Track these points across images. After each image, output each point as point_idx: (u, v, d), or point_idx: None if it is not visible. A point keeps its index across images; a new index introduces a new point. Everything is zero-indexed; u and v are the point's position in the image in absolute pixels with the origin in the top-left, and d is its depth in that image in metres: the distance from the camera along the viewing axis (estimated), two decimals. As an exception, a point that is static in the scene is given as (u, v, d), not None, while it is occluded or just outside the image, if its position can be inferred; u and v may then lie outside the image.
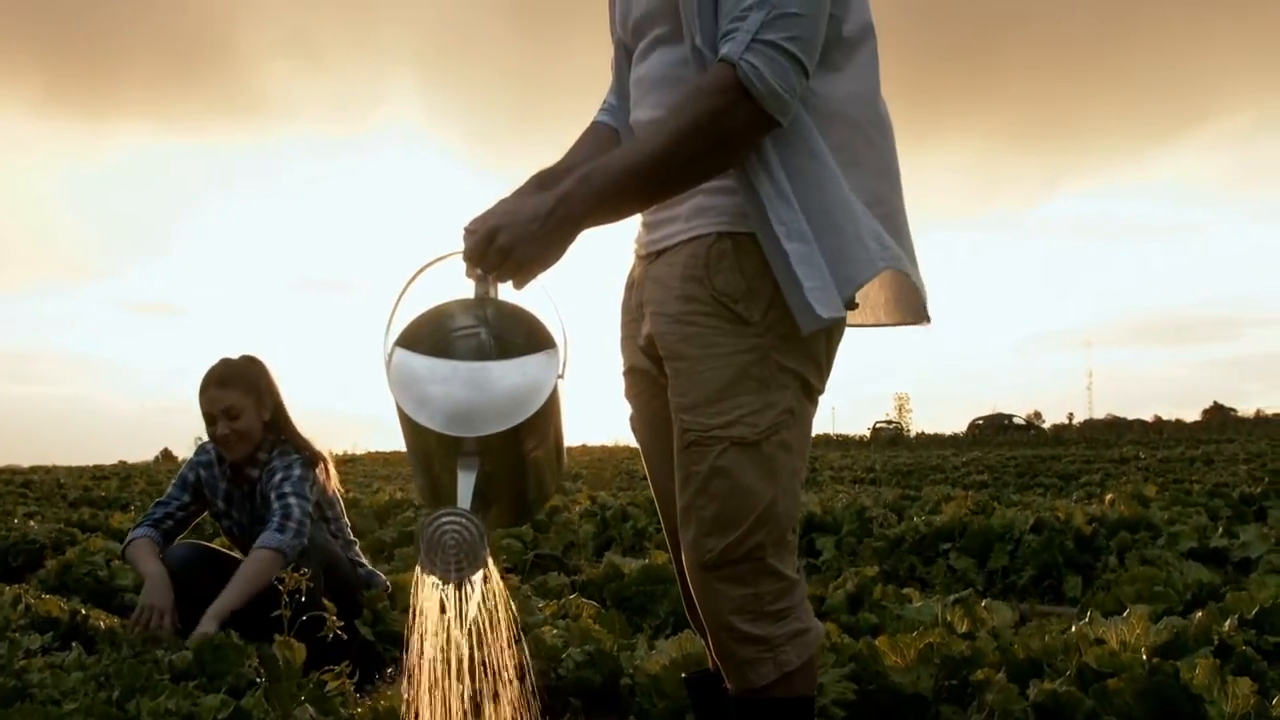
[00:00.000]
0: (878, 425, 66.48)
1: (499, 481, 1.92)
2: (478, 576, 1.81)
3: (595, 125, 2.23)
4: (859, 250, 1.81)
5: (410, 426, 1.84)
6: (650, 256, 2.00)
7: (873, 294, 2.05)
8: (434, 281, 1.97)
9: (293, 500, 3.53)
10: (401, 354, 1.93)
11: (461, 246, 1.84)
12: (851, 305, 1.82)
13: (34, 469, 52.13)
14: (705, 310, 1.86)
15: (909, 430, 70.72)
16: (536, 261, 1.76)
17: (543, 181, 2.05)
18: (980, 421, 64.22)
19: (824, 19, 1.78)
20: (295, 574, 2.85)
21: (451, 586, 1.81)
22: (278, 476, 3.61)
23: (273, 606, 2.95)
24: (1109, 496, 7.61)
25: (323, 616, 2.86)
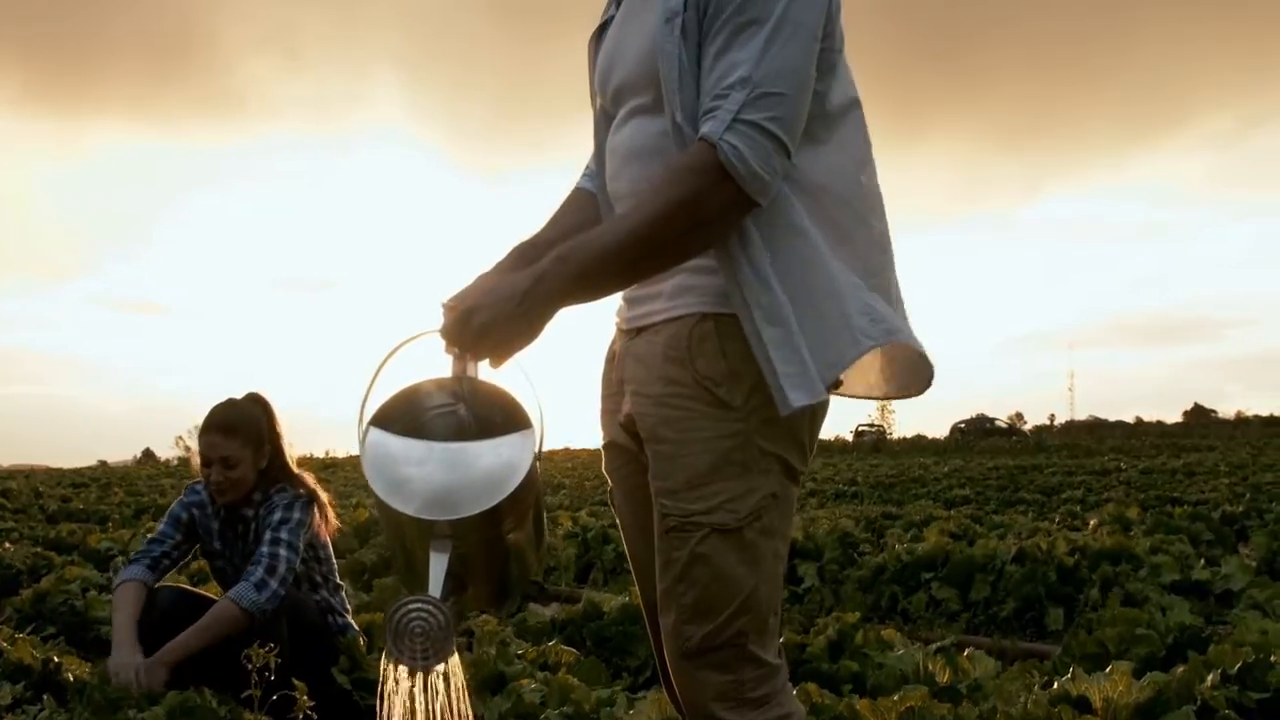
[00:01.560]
0: (860, 429, 66.51)
1: (477, 563, 1.89)
2: (446, 664, 1.78)
3: (578, 192, 2.19)
4: (844, 332, 1.78)
5: (384, 507, 1.82)
6: (632, 332, 1.97)
7: (866, 363, 2.02)
8: (410, 359, 1.95)
9: (282, 552, 3.46)
10: (376, 433, 1.89)
11: (438, 324, 1.81)
12: (834, 386, 1.80)
13: (12, 471, 51.90)
14: (686, 393, 1.83)
15: (891, 432, 70.81)
16: (513, 341, 1.73)
17: (523, 254, 2.02)
18: (963, 425, 64.37)
19: (808, 97, 1.75)
20: (262, 650, 2.80)
21: (419, 675, 1.79)
22: (277, 515, 3.54)
23: (236, 653, 2.94)
24: (1092, 522, 7.60)
25: (292, 696, 2.81)
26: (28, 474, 29.50)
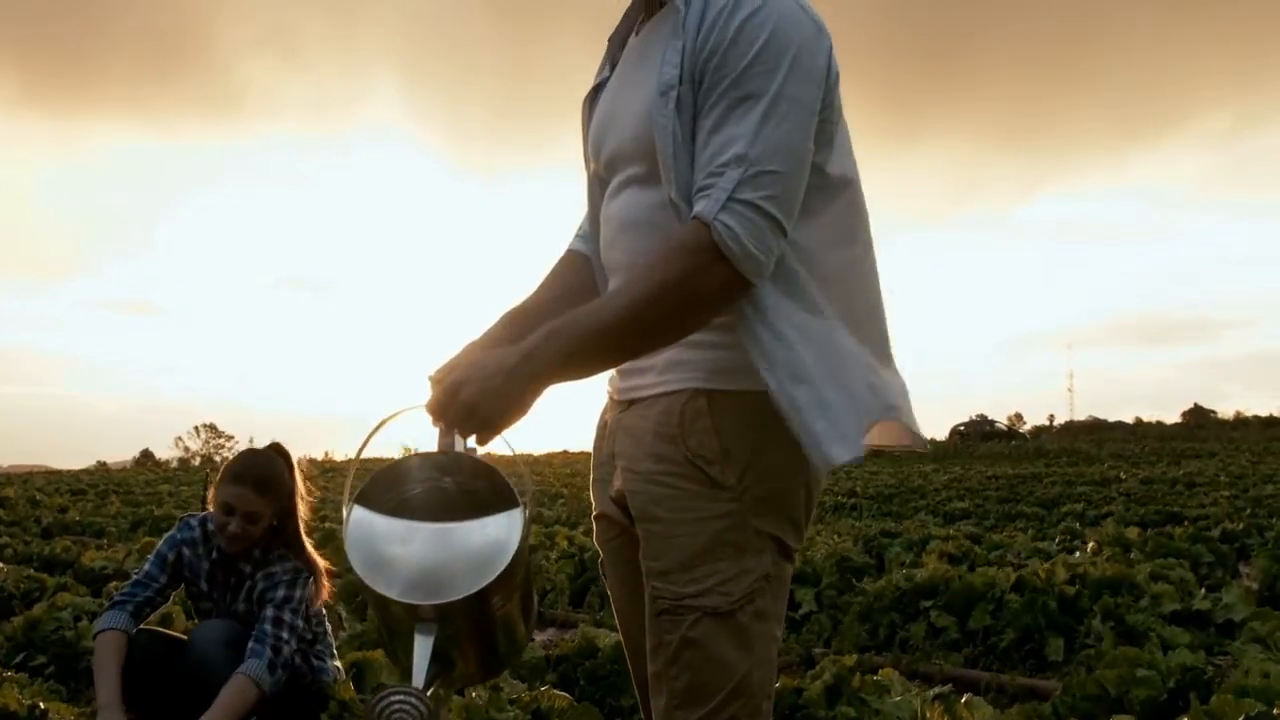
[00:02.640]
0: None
1: (465, 641, 1.86)
2: None
3: (571, 254, 2.15)
4: (863, 393, 1.77)
5: (367, 588, 1.78)
6: (624, 403, 1.93)
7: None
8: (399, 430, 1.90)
9: (285, 635, 3.45)
10: (359, 512, 1.85)
11: (425, 398, 1.76)
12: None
13: (11, 475, 51.81)
14: (678, 471, 1.79)
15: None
16: (501, 418, 1.69)
17: (513, 322, 1.99)
18: (962, 428, 64.35)
19: (805, 174, 1.72)
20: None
21: None
22: (280, 592, 3.51)
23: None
24: (1090, 545, 7.55)
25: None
26: (26, 478, 29.38)
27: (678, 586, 1.78)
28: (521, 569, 1.85)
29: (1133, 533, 8.70)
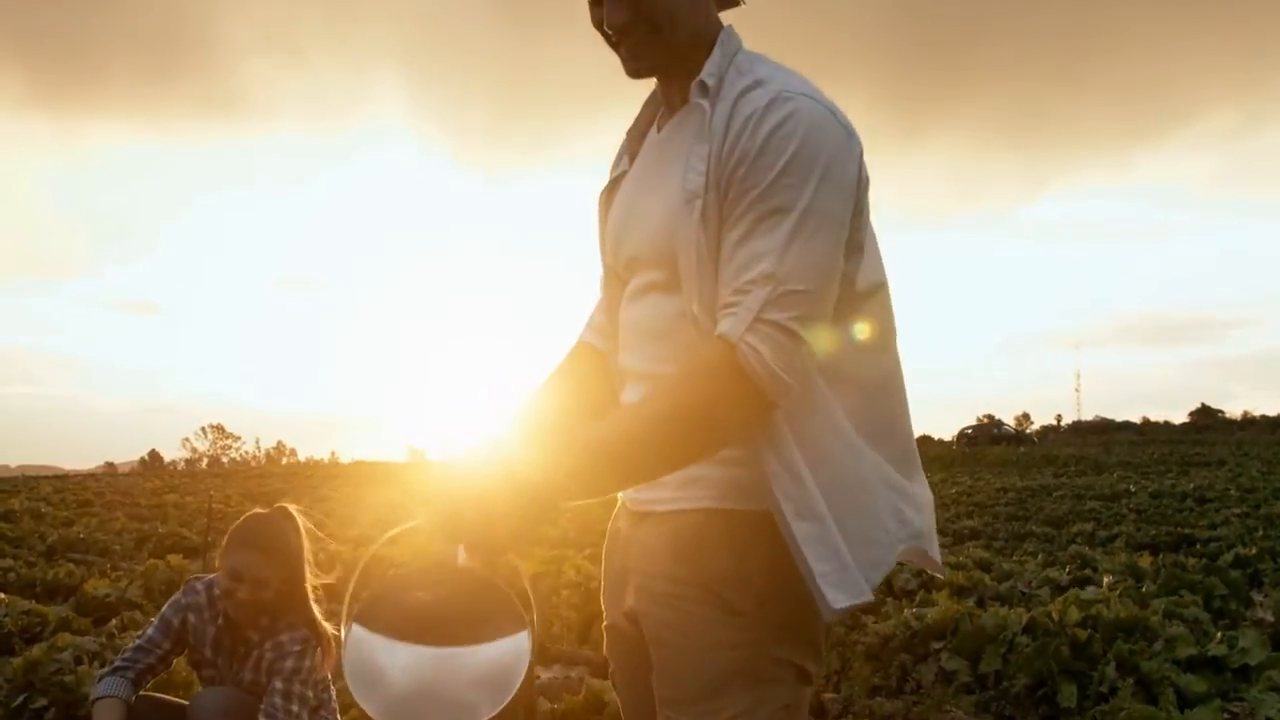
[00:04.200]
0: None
1: None
2: None
3: (581, 347, 2.08)
4: (879, 531, 1.69)
5: (365, 712, 1.72)
6: (637, 515, 1.86)
7: None
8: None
9: (295, 707, 3.39)
10: (359, 631, 1.78)
11: (429, 512, 1.67)
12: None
13: (18, 478, 51.94)
14: (693, 595, 1.72)
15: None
16: (509, 538, 1.60)
17: (525, 418, 1.92)
18: (970, 431, 64.26)
19: (834, 292, 1.64)
20: None
21: None
22: (289, 663, 3.44)
23: None
24: (1105, 580, 7.46)
25: None
26: (33, 485, 29.39)
27: (691, 718, 1.71)
28: (526, 692, 1.79)
29: (1145, 561, 8.63)
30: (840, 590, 1.62)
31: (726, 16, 1.84)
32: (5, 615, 6.91)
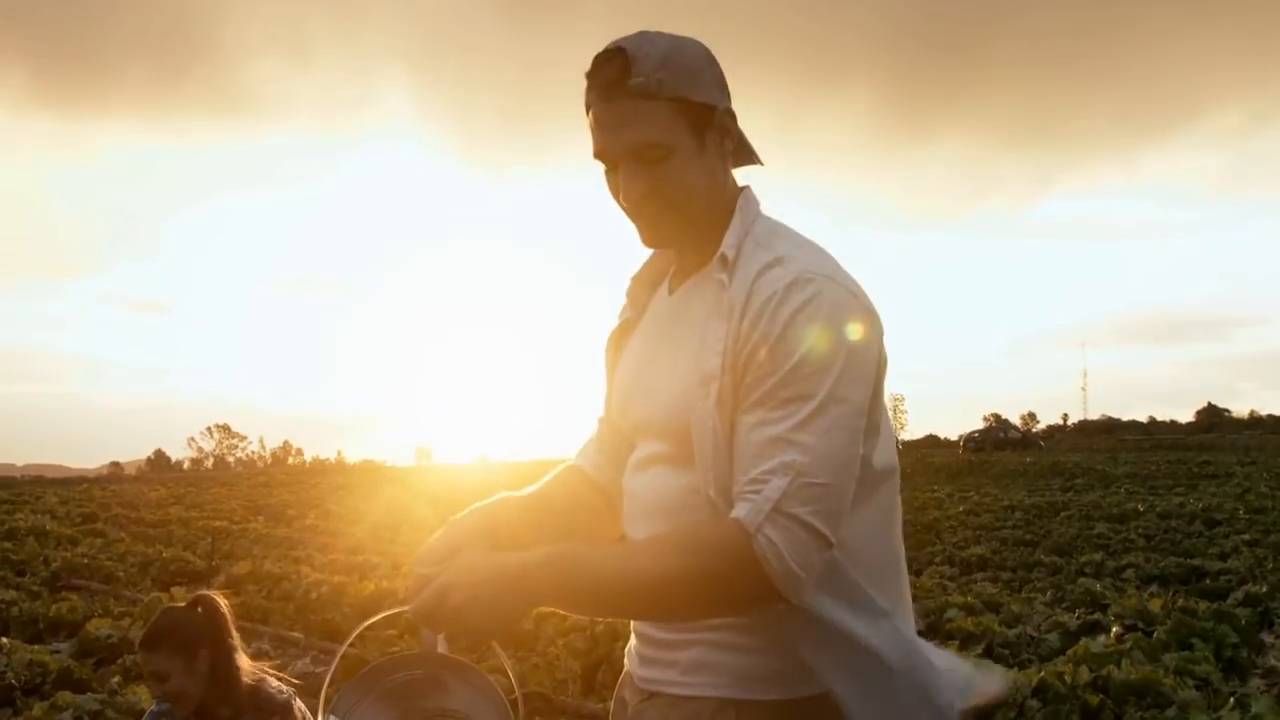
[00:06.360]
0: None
1: None
2: None
3: (572, 470, 2.03)
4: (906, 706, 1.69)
5: None
6: (644, 693, 1.81)
7: None
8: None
9: None
10: None
11: (411, 599, 1.61)
12: None
13: (24, 478, 52.02)
14: None
15: (902, 429, 70.66)
16: (488, 629, 1.56)
17: (507, 517, 1.84)
18: (976, 435, 63.99)
19: (852, 484, 1.59)
20: None
21: None
22: None
23: None
24: (1115, 630, 7.40)
25: None
26: (39, 495, 29.41)
27: None
28: None
29: (1155, 604, 8.56)
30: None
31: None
32: (7, 666, 6.86)
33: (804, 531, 1.51)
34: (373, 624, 1.80)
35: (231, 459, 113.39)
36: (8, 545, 14.57)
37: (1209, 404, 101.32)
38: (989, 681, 1.82)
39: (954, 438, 78.67)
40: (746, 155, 1.81)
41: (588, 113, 1.70)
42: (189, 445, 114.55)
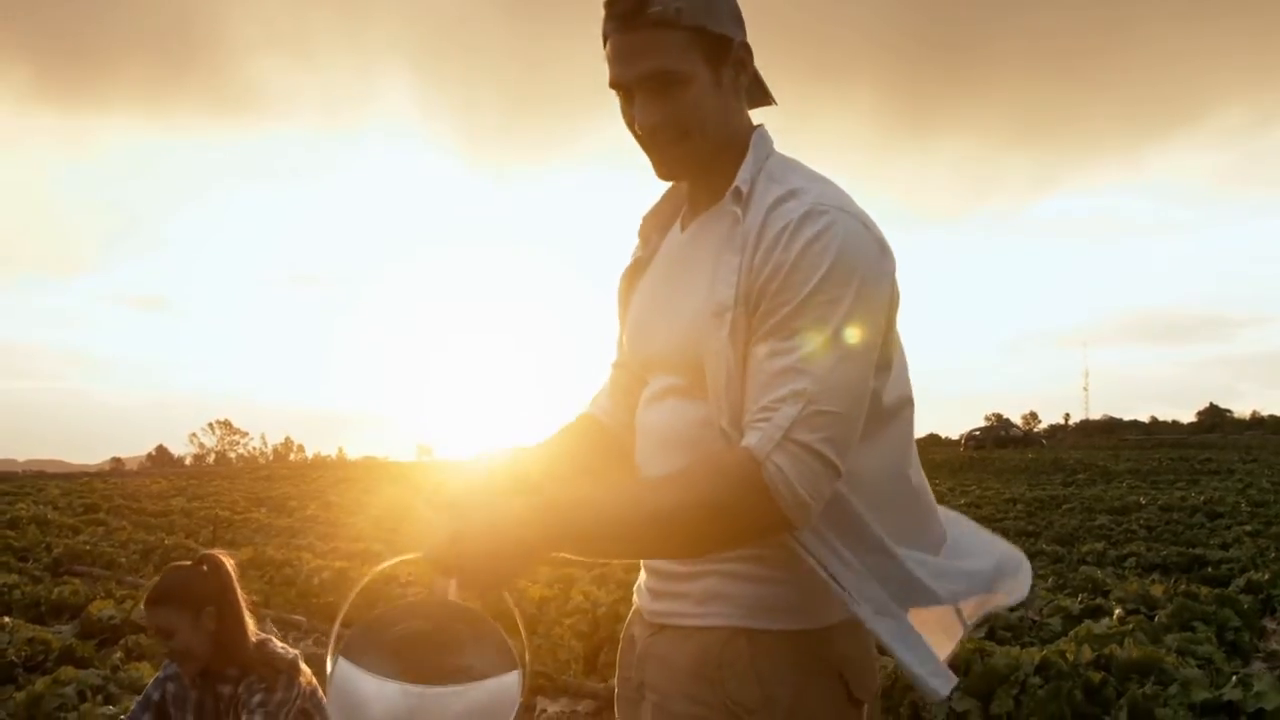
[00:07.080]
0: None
1: None
2: None
3: (584, 418, 2.04)
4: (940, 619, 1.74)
5: None
6: (654, 626, 1.80)
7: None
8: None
9: None
10: (344, 666, 1.72)
11: (422, 544, 1.61)
12: None
13: (26, 474, 52.02)
14: (715, 718, 1.67)
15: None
16: (500, 575, 1.56)
17: (522, 464, 1.87)
18: (978, 433, 64.06)
19: (863, 413, 1.60)
20: None
21: None
22: (257, 698, 3.44)
23: None
24: (1117, 612, 7.39)
25: None
26: (41, 487, 29.42)
27: None
28: None
29: (1157, 589, 8.55)
30: (940, 679, 1.64)
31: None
32: (9, 644, 6.86)
33: (813, 459, 1.52)
34: (387, 566, 1.78)
35: (233, 455, 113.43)
36: (10, 533, 14.55)
37: (1211, 404, 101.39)
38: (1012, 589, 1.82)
39: (955, 436, 78.66)
40: (762, 95, 1.81)
41: (605, 43, 1.69)
42: (190, 441, 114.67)
